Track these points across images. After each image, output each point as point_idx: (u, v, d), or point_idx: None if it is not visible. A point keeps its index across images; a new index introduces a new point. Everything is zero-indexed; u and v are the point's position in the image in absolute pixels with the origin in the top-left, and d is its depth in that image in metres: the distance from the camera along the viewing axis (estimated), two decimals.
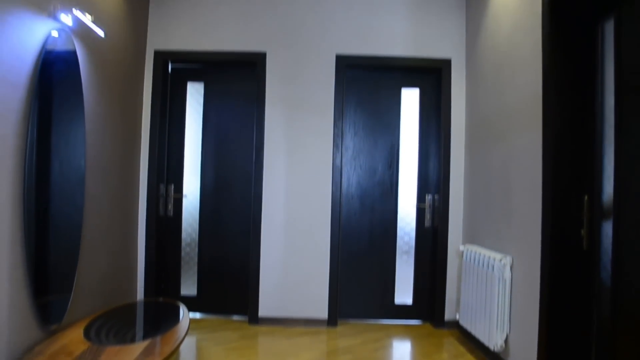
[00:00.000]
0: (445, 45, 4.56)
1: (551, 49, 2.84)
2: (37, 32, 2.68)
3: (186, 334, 3.00)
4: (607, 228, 2.57)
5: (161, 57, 4.49)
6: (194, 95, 4.66)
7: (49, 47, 2.79)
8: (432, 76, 4.67)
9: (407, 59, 4.54)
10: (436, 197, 4.60)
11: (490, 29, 3.86)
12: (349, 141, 4.67)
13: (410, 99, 4.68)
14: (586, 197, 2.70)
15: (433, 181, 4.64)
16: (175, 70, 4.65)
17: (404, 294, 4.67)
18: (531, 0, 3.11)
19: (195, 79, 4.67)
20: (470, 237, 4.23)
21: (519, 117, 3.28)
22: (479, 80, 4.11)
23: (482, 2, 4.06)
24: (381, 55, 4.53)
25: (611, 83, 2.56)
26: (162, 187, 4.55)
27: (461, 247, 4.10)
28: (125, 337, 2.81)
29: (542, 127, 2.92)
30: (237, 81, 4.66)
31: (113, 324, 3.05)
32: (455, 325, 4.47)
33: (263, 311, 4.47)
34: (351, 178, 4.67)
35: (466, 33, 4.52)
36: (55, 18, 2.87)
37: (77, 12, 3.08)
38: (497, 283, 3.37)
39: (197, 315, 4.65)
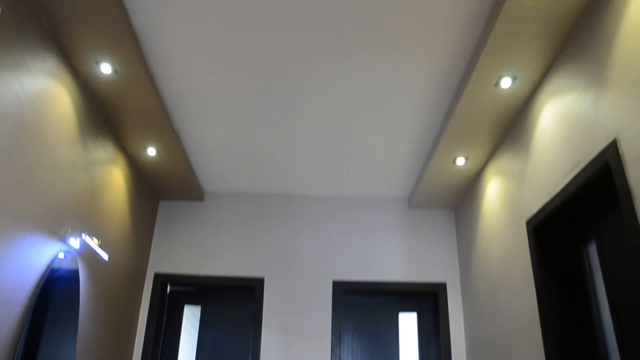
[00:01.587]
0: (439, 269, 4.68)
1: (541, 274, 2.92)
2: (44, 255, 2.79)
3: None
4: None
5: (160, 280, 4.56)
6: (190, 320, 4.62)
7: (54, 266, 2.87)
8: (428, 299, 4.70)
9: (403, 283, 4.61)
10: None
11: (482, 253, 4.00)
12: None
13: (408, 323, 4.64)
14: None
15: None
16: (174, 293, 4.68)
17: None
18: (517, 228, 3.30)
19: (193, 302, 4.68)
20: None
21: (519, 340, 3.22)
22: (475, 303, 4.13)
23: (471, 229, 4.28)
24: (377, 281, 4.62)
25: (605, 302, 2.58)
26: None
27: None
28: None
29: (544, 354, 2.86)
30: (234, 305, 4.67)
31: None
32: None
33: None
34: None
35: (459, 257, 4.68)
36: (64, 241, 3.00)
37: (85, 237, 3.23)
38: None
39: None
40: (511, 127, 3.44)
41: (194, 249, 4.70)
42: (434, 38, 2.90)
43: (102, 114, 3.45)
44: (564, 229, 2.94)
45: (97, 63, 2.93)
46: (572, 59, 2.60)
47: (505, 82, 2.99)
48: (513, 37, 2.64)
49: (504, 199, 3.55)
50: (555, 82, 2.79)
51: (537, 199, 2.99)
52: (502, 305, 3.54)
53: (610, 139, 2.21)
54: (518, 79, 2.96)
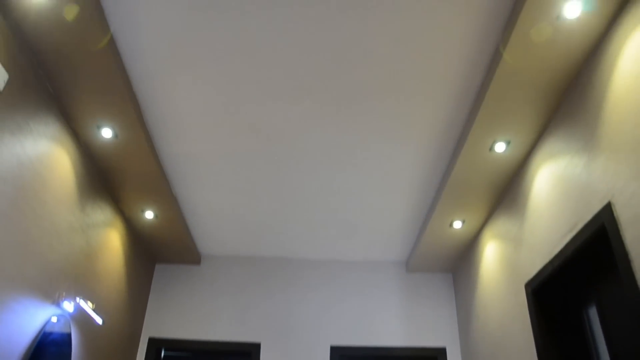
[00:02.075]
0: (438, 333, 4.59)
1: (542, 337, 2.88)
2: (37, 318, 2.74)
3: None
4: None
5: (155, 345, 4.46)
6: None
7: (46, 330, 2.81)
8: None
9: (402, 348, 4.51)
10: None
11: (481, 316, 3.94)
12: None
13: None
14: None
15: None
16: (168, 358, 4.57)
17: None
18: (516, 291, 3.27)
19: None
20: None
21: None
22: None
23: (470, 292, 4.24)
24: (376, 346, 4.52)
25: None
26: None
27: None
28: None
29: None
30: None
31: None
32: None
33: None
34: None
35: (458, 321, 4.60)
36: (58, 305, 2.96)
37: (80, 301, 3.19)
38: None
39: None
40: (507, 191, 3.47)
41: (190, 313, 4.62)
42: (428, 104, 2.98)
43: (101, 177, 3.48)
44: (564, 291, 2.91)
45: (99, 127, 2.99)
46: (563, 123, 2.66)
47: (500, 147, 3.05)
48: (506, 102, 2.71)
49: (502, 262, 3.54)
50: (549, 146, 2.84)
51: (535, 261, 2.98)
52: None
53: (605, 202, 2.23)
54: (512, 143, 3.02)
